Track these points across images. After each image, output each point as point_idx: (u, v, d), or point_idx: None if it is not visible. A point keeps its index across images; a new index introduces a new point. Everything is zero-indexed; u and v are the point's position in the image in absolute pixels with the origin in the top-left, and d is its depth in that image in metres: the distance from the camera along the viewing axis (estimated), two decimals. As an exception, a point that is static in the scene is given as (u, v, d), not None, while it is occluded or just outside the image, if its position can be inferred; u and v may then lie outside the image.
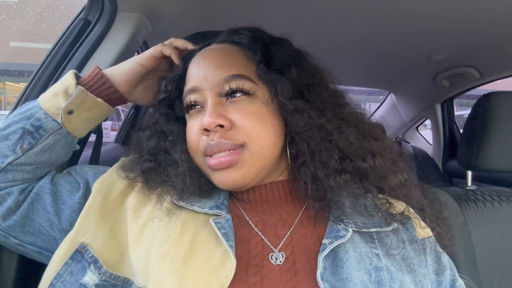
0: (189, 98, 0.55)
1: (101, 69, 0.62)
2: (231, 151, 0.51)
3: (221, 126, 0.51)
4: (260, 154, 0.52)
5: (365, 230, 0.51)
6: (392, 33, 1.07)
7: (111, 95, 0.62)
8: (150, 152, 0.57)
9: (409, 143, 2.04)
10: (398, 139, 2.07)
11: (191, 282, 0.45)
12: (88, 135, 0.85)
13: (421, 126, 2.28)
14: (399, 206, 0.57)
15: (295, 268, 0.49)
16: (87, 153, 0.84)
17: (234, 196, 0.58)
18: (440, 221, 0.61)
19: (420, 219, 0.58)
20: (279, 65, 0.54)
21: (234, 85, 0.52)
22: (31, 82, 0.83)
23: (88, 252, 0.50)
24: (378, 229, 0.52)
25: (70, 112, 0.57)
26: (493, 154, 0.95)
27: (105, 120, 0.86)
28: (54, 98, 0.57)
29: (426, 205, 0.60)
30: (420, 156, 1.90)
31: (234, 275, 0.45)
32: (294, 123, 0.52)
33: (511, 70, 1.36)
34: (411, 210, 0.58)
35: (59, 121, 0.57)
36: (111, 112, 0.63)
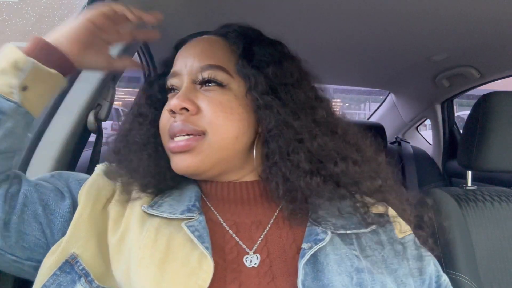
0: (169, 82, 0.57)
1: (45, 40, 0.55)
2: (191, 136, 0.52)
3: (187, 110, 0.52)
4: (219, 145, 0.52)
5: (343, 231, 0.52)
6: (392, 33, 1.07)
7: (62, 65, 0.55)
8: (122, 133, 0.59)
9: (409, 143, 2.04)
10: (398, 139, 2.07)
11: (169, 285, 0.44)
12: (88, 134, 0.85)
13: (421, 126, 2.28)
14: (380, 207, 0.56)
15: (273, 273, 0.48)
16: (87, 153, 0.84)
17: (206, 194, 0.57)
18: (424, 225, 0.61)
19: (400, 218, 0.58)
20: (257, 61, 0.55)
21: (207, 74, 0.53)
22: (31, 82, 0.83)
23: (78, 264, 0.48)
24: (357, 231, 0.53)
25: (24, 89, 0.51)
26: (493, 154, 0.95)
27: (105, 120, 0.86)
28: (3, 76, 0.50)
29: (406, 210, 0.59)
30: (420, 156, 1.90)
31: (213, 283, 0.45)
32: (264, 120, 0.53)
33: (511, 70, 1.36)
34: (392, 211, 0.58)
35: (16, 100, 0.50)
36: (63, 85, 0.57)
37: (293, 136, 0.52)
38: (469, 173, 1.04)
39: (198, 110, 0.52)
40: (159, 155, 0.57)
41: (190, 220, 0.51)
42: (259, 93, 0.53)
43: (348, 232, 0.52)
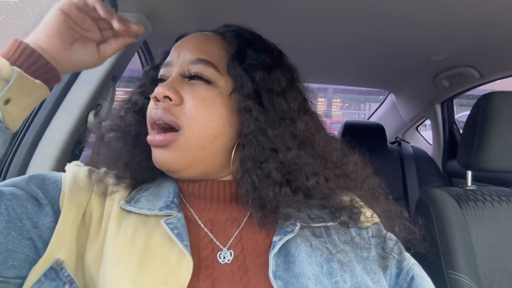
0: (161, 72, 0.58)
1: (26, 42, 0.50)
2: (167, 131, 0.53)
3: (170, 99, 0.52)
4: (196, 142, 0.52)
5: (313, 225, 0.52)
6: (392, 33, 1.07)
7: (47, 74, 0.51)
8: (112, 119, 0.60)
9: (409, 143, 2.04)
10: (398, 139, 2.07)
11: (148, 285, 0.44)
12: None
13: (421, 127, 2.28)
14: (345, 197, 0.57)
15: (246, 266, 0.49)
16: (87, 153, 0.84)
17: (181, 191, 0.57)
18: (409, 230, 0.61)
19: (365, 208, 0.59)
20: (248, 64, 0.55)
21: (195, 69, 0.54)
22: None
23: (64, 270, 0.46)
24: (326, 224, 0.53)
25: (7, 102, 0.46)
26: (493, 154, 0.95)
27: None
28: None
29: (379, 222, 0.60)
30: (420, 156, 1.90)
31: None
32: (244, 123, 0.53)
33: (511, 70, 1.36)
34: (357, 200, 0.59)
35: None
36: (46, 97, 0.53)
37: (267, 145, 0.52)
38: (469, 173, 1.04)
39: (181, 101, 0.53)
40: (138, 143, 0.57)
41: (169, 217, 0.50)
42: (243, 95, 0.53)
43: (318, 225, 0.53)
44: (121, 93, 0.93)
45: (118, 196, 0.54)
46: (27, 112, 0.50)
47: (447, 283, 0.84)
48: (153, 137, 0.53)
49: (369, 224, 0.57)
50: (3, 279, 0.46)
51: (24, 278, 0.47)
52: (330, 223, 0.54)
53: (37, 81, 0.49)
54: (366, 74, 1.70)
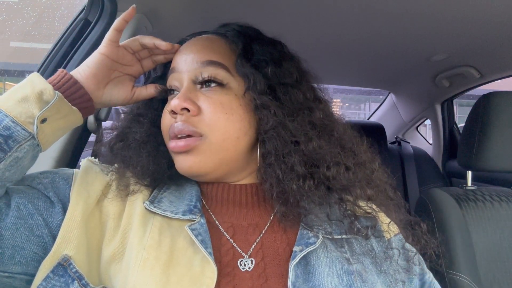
0: (169, 81, 0.57)
1: (70, 74, 0.55)
2: (190, 137, 0.52)
3: (188, 110, 0.52)
4: (220, 146, 0.52)
5: (335, 236, 0.52)
6: (392, 33, 1.07)
7: (83, 104, 0.55)
8: (121, 131, 0.59)
9: (409, 143, 2.04)
10: (398, 139, 2.07)
11: None
12: (88, 134, 0.85)
13: (421, 127, 2.28)
14: (368, 210, 0.56)
15: (266, 275, 0.49)
16: (87, 153, 0.84)
17: (203, 194, 0.57)
18: (416, 227, 0.60)
19: (387, 219, 0.58)
20: (256, 60, 0.55)
21: (208, 72, 0.53)
22: (31, 82, 0.83)
23: (72, 266, 0.46)
24: (348, 236, 0.53)
25: (43, 121, 0.49)
26: (493, 154, 0.95)
27: (105, 120, 0.86)
28: (24, 103, 0.48)
29: (398, 217, 0.60)
30: (420, 156, 1.90)
31: None
32: (262, 120, 0.52)
33: (511, 70, 1.36)
34: (373, 207, 0.58)
35: (33, 130, 0.48)
36: (79, 123, 0.56)
37: (289, 138, 0.51)
38: (469, 173, 1.04)
39: (199, 111, 0.52)
40: (160, 154, 0.57)
41: (192, 223, 0.50)
42: (257, 93, 0.53)
43: (339, 237, 0.53)
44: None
45: (140, 195, 0.54)
46: (59, 134, 0.54)
47: (447, 283, 0.84)
48: (175, 143, 0.52)
49: (390, 235, 0.57)
50: (8, 274, 0.46)
51: (30, 275, 0.47)
52: (352, 235, 0.53)
53: (73, 107, 0.53)
54: (366, 74, 1.70)
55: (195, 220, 0.51)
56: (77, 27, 0.86)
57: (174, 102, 0.51)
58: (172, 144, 0.53)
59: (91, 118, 0.83)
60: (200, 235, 0.49)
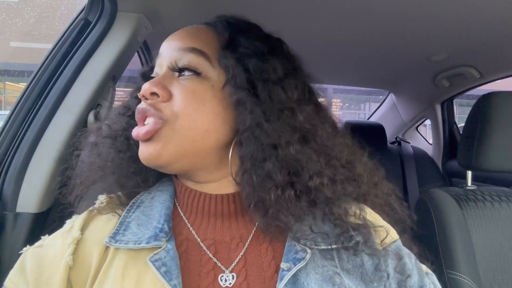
0: (154, 70, 0.54)
1: None
2: (151, 120, 0.48)
3: (158, 96, 0.48)
4: (185, 135, 0.47)
5: (324, 247, 0.48)
6: (392, 33, 1.07)
7: None
8: (104, 128, 0.58)
9: (409, 143, 2.04)
10: (398, 139, 2.07)
11: None
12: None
13: (421, 127, 2.28)
14: (353, 207, 0.53)
15: None
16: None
17: (181, 204, 0.53)
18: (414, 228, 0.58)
19: (380, 228, 0.53)
20: (240, 53, 0.50)
21: (186, 59, 0.49)
22: (31, 82, 0.83)
23: None
24: (337, 246, 0.48)
25: None
26: (493, 154, 0.95)
27: (105, 120, 0.86)
28: None
29: (397, 239, 0.55)
30: (420, 156, 1.90)
31: None
32: (239, 118, 0.48)
33: (511, 70, 1.36)
34: (373, 218, 0.54)
35: None
36: None
37: (266, 141, 0.47)
38: (469, 173, 1.04)
39: (169, 97, 0.48)
40: (127, 147, 0.54)
41: (156, 252, 0.45)
42: (235, 87, 0.48)
43: (329, 247, 0.48)
44: (121, 93, 0.93)
45: (109, 225, 0.50)
46: None
47: (447, 283, 0.84)
48: (136, 132, 0.49)
49: (385, 245, 0.52)
50: None
51: None
52: (342, 245, 0.48)
53: None
54: (366, 74, 1.70)
55: (160, 247, 0.46)
56: (77, 27, 0.86)
57: (144, 86, 0.48)
58: (134, 133, 0.49)
59: (91, 118, 0.83)
60: (165, 265, 0.44)
